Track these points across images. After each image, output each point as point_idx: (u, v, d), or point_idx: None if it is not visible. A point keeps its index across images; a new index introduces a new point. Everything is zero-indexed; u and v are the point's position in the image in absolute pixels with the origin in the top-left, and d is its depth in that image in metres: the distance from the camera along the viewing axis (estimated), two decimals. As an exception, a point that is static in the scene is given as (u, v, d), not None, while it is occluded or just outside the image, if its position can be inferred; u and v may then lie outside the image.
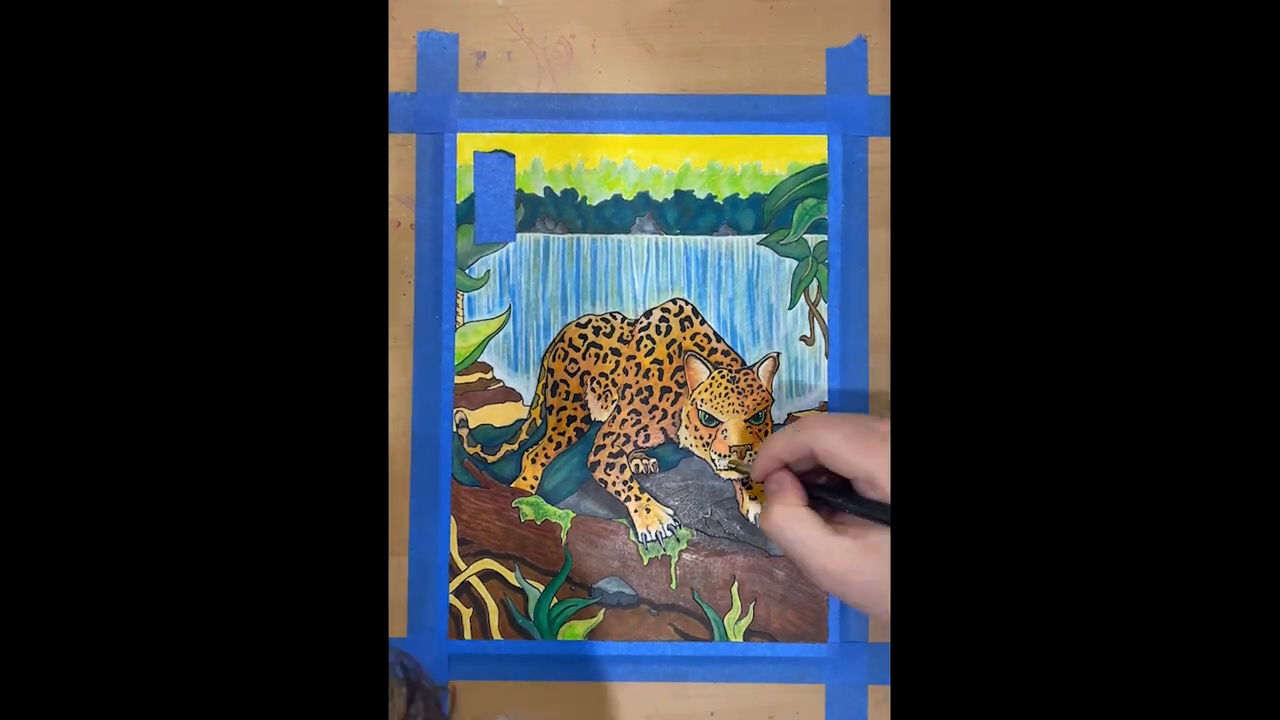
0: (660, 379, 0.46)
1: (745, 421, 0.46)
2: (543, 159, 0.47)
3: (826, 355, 0.47)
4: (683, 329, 0.47)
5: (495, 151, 0.47)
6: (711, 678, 0.45)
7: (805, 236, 0.47)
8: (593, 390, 0.46)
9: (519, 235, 0.47)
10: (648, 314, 0.47)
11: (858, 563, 0.36)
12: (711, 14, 0.47)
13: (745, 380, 0.46)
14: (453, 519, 0.46)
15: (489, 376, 0.46)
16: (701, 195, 0.47)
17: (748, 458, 0.46)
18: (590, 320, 0.47)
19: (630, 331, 0.47)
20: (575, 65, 0.47)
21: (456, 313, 0.46)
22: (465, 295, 0.47)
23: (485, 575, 0.46)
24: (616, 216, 0.47)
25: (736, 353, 0.47)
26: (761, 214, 0.47)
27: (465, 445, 0.46)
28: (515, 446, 0.46)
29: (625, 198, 0.47)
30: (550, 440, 0.46)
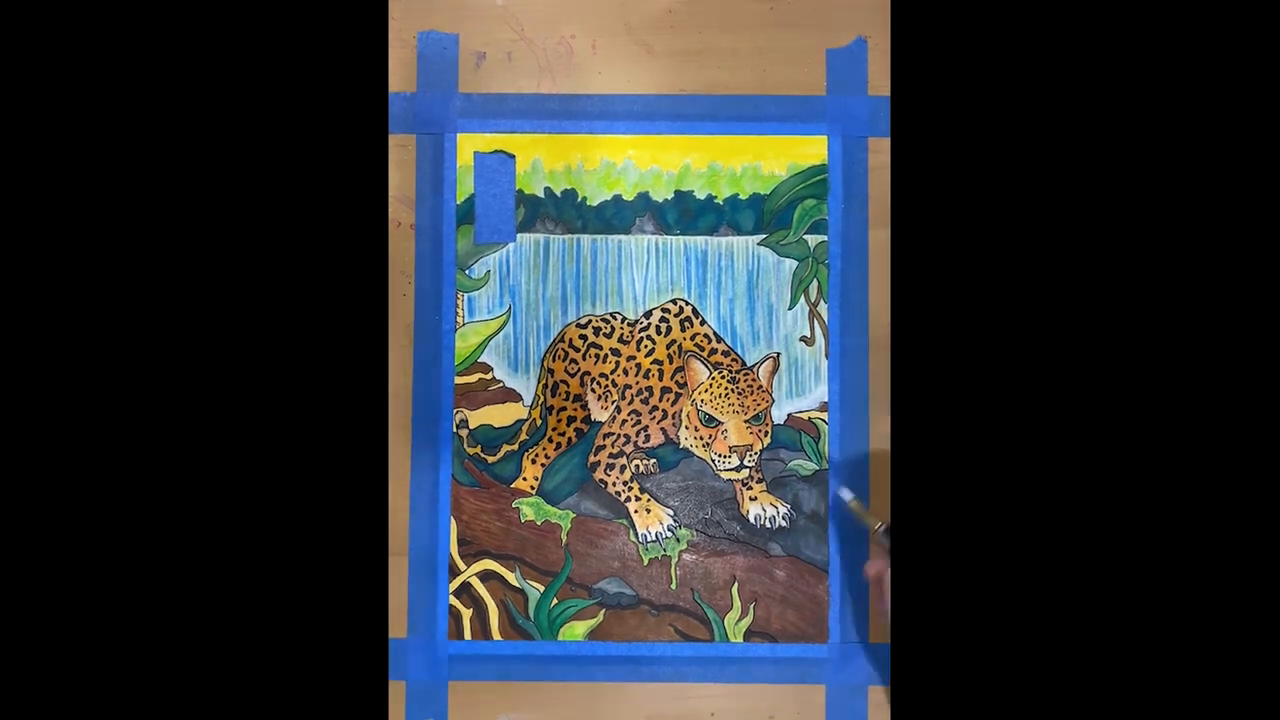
0: (660, 379, 0.46)
1: (745, 422, 0.46)
2: (543, 159, 0.47)
3: (826, 355, 0.47)
4: (683, 329, 0.47)
5: (495, 152, 0.47)
6: (712, 678, 0.45)
7: (805, 237, 0.47)
8: (593, 391, 0.46)
9: (519, 235, 0.47)
10: (648, 314, 0.47)
11: None
12: (711, 14, 0.47)
13: (745, 381, 0.46)
14: (453, 519, 0.46)
15: (489, 377, 0.46)
16: (701, 195, 0.47)
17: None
18: (590, 321, 0.47)
19: (630, 332, 0.47)
20: (575, 65, 0.47)
21: (456, 313, 0.46)
22: (465, 295, 0.47)
23: (485, 576, 0.46)
24: (616, 217, 0.47)
25: (736, 353, 0.47)
26: (761, 214, 0.47)
27: (465, 445, 0.46)
28: (515, 447, 0.46)
29: (625, 198, 0.47)
30: (550, 440, 0.46)
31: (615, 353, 0.46)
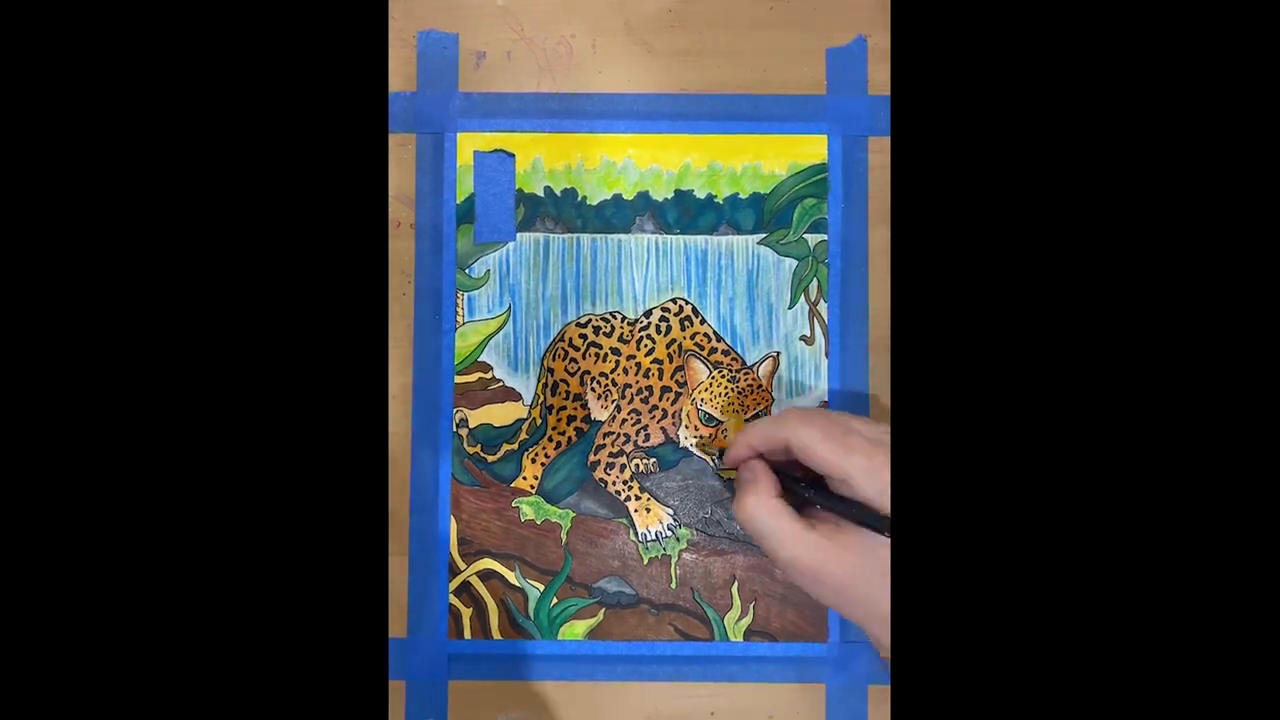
0: (660, 379, 0.46)
1: (745, 421, 0.46)
2: (543, 159, 0.47)
3: (826, 355, 0.47)
4: (683, 329, 0.47)
5: (495, 151, 0.47)
6: (711, 677, 0.45)
7: (805, 236, 0.47)
8: (593, 390, 0.46)
9: (519, 235, 0.47)
10: (648, 314, 0.47)
11: (831, 559, 0.37)
12: (711, 14, 0.47)
13: (745, 380, 0.46)
14: (453, 519, 0.46)
15: (489, 376, 0.47)
16: (701, 195, 0.47)
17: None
18: (590, 320, 0.47)
19: (630, 331, 0.47)
20: (575, 65, 0.47)
21: (456, 313, 0.46)
22: (465, 295, 0.47)
23: (485, 575, 0.46)
24: (616, 216, 0.47)
25: (736, 352, 0.47)
26: (761, 214, 0.47)
27: (465, 445, 0.46)
28: (515, 446, 0.46)
29: (625, 197, 0.47)
30: (550, 440, 0.46)
31: (615, 352, 0.46)
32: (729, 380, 0.46)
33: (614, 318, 0.47)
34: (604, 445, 0.46)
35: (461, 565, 0.46)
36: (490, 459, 0.46)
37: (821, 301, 0.47)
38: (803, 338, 0.47)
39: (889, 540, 0.36)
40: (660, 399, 0.46)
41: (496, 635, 0.46)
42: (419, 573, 0.46)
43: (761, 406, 0.46)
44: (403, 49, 0.47)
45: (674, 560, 0.46)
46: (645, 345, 0.47)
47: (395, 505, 0.46)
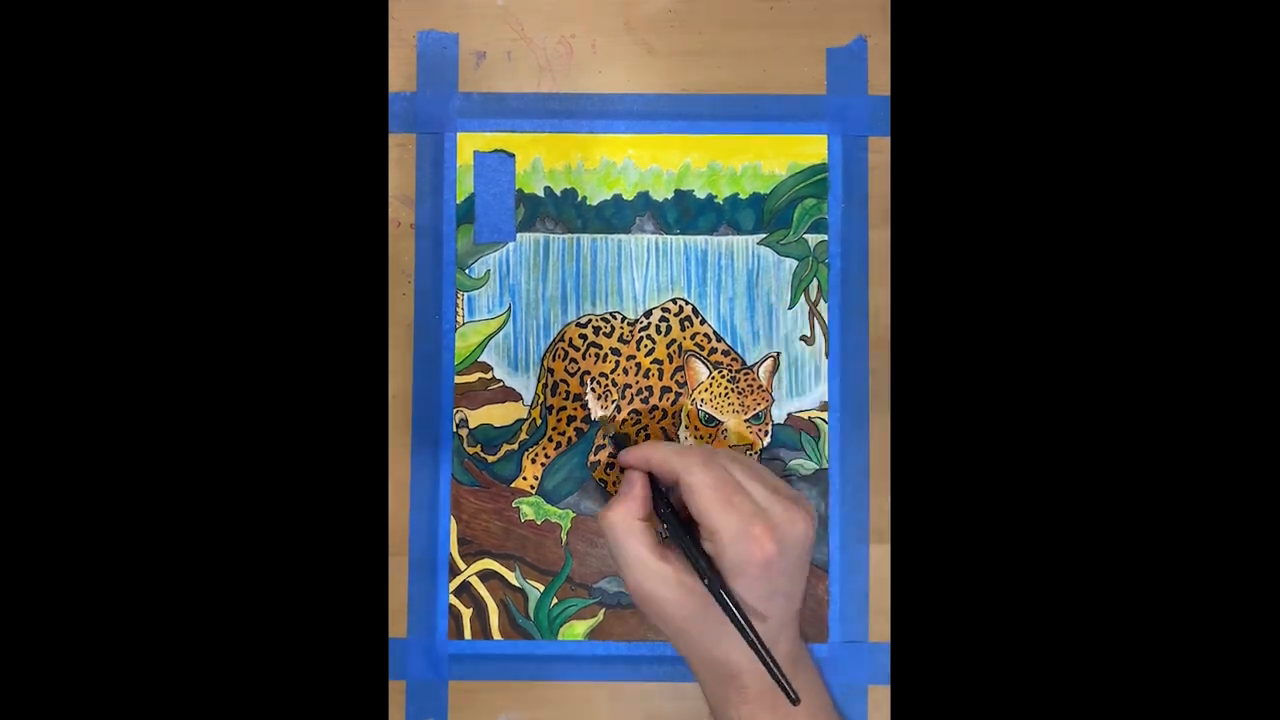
0: (660, 379, 0.46)
1: (745, 421, 0.46)
2: (543, 159, 0.47)
3: (826, 355, 0.47)
4: (683, 329, 0.47)
5: (495, 151, 0.47)
6: (711, 678, 0.45)
7: (805, 236, 0.47)
8: (593, 390, 0.46)
9: (519, 235, 0.47)
10: (648, 314, 0.47)
11: (673, 599, 0.37)
12: (711, 14, 0.47)
13: (745, 380, 0.46)
14: (453, 519, 0.46)
15: (489, 376, 0.46)
16: (701, 195, 0.47)
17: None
18: (590, 320, 0.47)
19: (630, 331, 0.47)
20: (575, 65, 0.47)
21: (456, 313, 0.46)
22: (465, 295, 0.47)
23: (485, 575, 0.46)
24: (616, 216, 0.47)
25: (736, 352, 0.47)
26: (761, 214, 0.47)
27: (465, 445, 0.46)
28: (515, 446, 0.46)
29: (625, 197, 0.47)
30: (550, 440, 0.46)
31: (615, 352, 0.46)
32: (729, 380, 0.46)
33: (614, 318, 0.47)
34: (604, 445, 0.46)
35: (461, 565, 0.46)
36: (490, 459, 0.46)
37: (821, 301, 0.47)
38: (803, 338, 0.47)
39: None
40: (660, 399, 0.46)
41: (496, 635, 0.46)
42: (419, 573, 0.46)
43: (761, 407, 0.46)
44: (403, 49, 0.47)
45: (674, 560, 0.46)
46: (645, 345, 0.47)
47: (395, 505, 0.46)
